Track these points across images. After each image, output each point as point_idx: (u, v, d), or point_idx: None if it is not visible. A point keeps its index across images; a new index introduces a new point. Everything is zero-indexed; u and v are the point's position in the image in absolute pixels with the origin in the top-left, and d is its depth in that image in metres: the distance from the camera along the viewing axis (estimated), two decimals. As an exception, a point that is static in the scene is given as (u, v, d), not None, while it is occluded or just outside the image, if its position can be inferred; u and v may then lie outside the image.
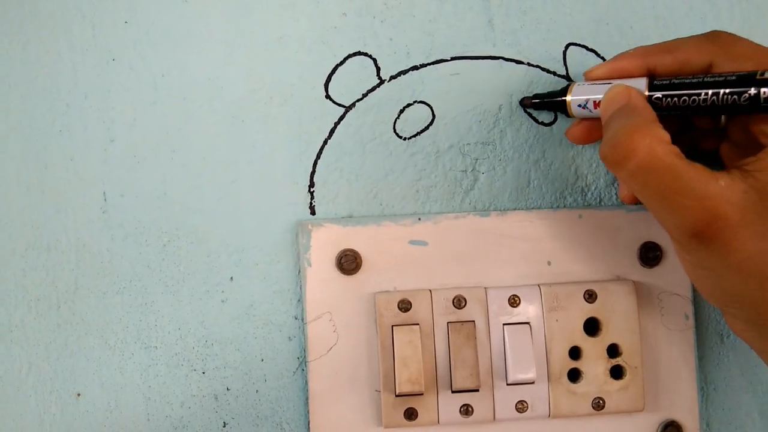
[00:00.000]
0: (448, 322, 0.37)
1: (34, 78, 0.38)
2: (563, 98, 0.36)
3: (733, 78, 0.30)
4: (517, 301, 0.38)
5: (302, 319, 0.38)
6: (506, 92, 0.39)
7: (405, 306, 0.37)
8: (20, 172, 0.38)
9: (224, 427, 0.38)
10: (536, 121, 0.39)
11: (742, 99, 0.30)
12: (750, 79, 0.30)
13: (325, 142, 0.39)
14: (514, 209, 0.39)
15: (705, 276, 0.32)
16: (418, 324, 0.37)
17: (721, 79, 0.30)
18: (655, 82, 0.32)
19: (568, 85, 0.36)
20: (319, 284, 0.38)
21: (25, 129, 0.38)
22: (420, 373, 0.36)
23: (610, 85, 0.33)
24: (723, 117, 0.35)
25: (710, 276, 0.32)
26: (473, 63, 0.39)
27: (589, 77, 0.35)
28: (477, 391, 0.37)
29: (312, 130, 0.39)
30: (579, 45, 0.40)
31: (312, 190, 0.39)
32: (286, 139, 0.39)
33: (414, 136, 0.39)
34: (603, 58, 0.40)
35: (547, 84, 0.39)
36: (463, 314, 0.38)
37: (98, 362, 0.38)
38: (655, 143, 0.30)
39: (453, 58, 0.39)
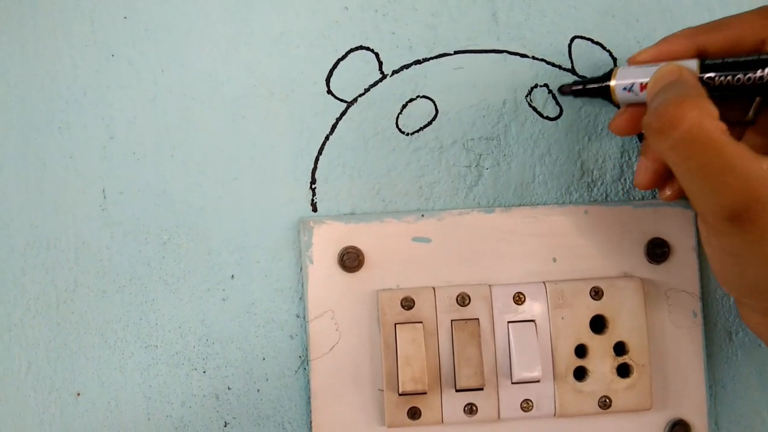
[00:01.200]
0: (452, 320, 0.37)
1: (32, 75, 0.37)
2: (607, 83, 0.35)
3: None
4: (522, 299, 0.37)
5: (304, 318, 0.38)
6: (511, 86, 0.39)
7: (408, 304, 0.37)
8: (19, 169, 0.37)
9: (225, 426, 0.38)
10: (541, 115, 0.39)
11: None
12: None
13: (327, 138, 0.38)
14: (519, 205, 0.38)
15: (731, 263, 0.31)
16: (421, 322, 0.37)
17: None
18: (707, 62, 0.31)
19: (611, 70, 0.35)
20: (321, 282, 0.37)
21: (24, 126, 0.37)
22: (423, 372, 0.36)
23: (657, 67, 0.32)
24: (753, 108, 0.33)
25: (737, 263, 0.31)
26: (477, 57, 0.39)
27: (635, 61, 0.33)
28: (481, 389, 0.37)
29: (313, 125, 0.38)
30: (584, 38, 0.39)
31: (314, 186, 0.38)
32: (287, 135, 0.38)
33: (417, 131, 0.39)
34: (609, 52, 0.39)
35: (552, 78, 0.39)
36: (468, 312, 0.37)
37: (98, 361, 0.37)
38: (704, 116, 0.29)
39: (456, 52, 0.39)
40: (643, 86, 0.33)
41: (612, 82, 0.34)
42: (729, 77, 0.31)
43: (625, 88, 0.33)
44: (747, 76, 0.30)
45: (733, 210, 0.29)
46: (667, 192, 0.35)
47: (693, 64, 0.32)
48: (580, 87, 0.37)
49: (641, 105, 0.34)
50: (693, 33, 0.32)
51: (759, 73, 0.30)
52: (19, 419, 0.37)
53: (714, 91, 0.31)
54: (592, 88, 0.36)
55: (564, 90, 0.38)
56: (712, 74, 0.31)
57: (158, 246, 0.38)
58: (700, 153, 0.29)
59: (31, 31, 0.37)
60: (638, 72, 0.33)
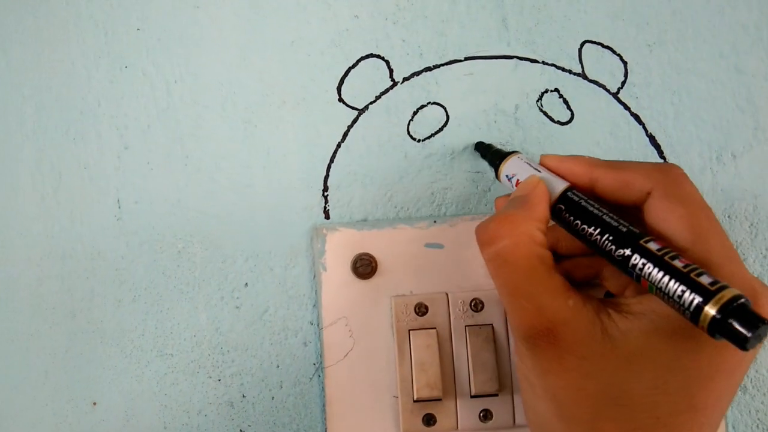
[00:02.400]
0: (466, 326, 0.37)
1: (47, 86, 0.38)
2: (498, 163, 0.35)
3: (624, 230, 0.29)
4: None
5: (318, 325, 0.38)
6: (522, 92, 0.39)
7: (422, 310, 0.37)
8: (35, 180, 0.38)
9: (241, 434, 0.38)
10: (552, 120, 0.39)
11: (616, 253, 0.28)
12: (633, 239, 0.28)
13: (339, 146, 0.38)
14: (532, 210, 0.38)
15: (527, 391, 0.31)
16: (435, 328, 0.37)
17: (615, 223, 0.29)
18: (569, 193, 0.31)
19: (510, 153, 0.35)
20: (334, 289, 0.37)
21: (39, 137, 0.38)
22: (438, 378, 0.36)
23: (535, 173, 0.32)
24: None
25: (530, 393, 0.30)
26: (487, 63, 0.39)
27: (542, 160, 0.33)
28: (497, 395, 0.36)
29: (325, 133, 0.38)
30: (595, 42, 0.39)
31: (326, 194, 0.38)
32: (299, 143, 0.38)
33: (428, 137, 0.39)
34: (619, 56, 0.39)
35: (563, 82, 0.39)
36: (482, 317, 0.37)
37: (114, 370, 0.38)
38: (523, 239, 0.29)
39: (467, 58, 0.39)
40: (517, 183, 0.33)
41: (502, 167, 0.34)
42: (571, 218, 0.30)
43: (507, 176, 0.34)
44: (582, 227, 0.30)
45: (528, 333, 0.29)
46: None
47: (561, 187, 0.31)
48: (483, 151, 0.37)
49: None
50: (594, 164, 0.32)
51: (590, 230, 0.29)
52: (35, 428, 0.37)
53: (560, 224, 0.31)
54: (489, 159, 0.36)
55: (476, 146, 0.38)
56: (562, 206, 0.31)
57: (173, 255, 0.38)
58: (509, 273, 0.29)
59: (45, 42, 0.38)
60: (524, 169, 0.33)
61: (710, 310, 0.25)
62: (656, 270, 0.27)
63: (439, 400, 0.36)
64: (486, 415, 0.37)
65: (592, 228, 0.29)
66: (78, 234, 0.38)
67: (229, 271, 0.38)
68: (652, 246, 0.28)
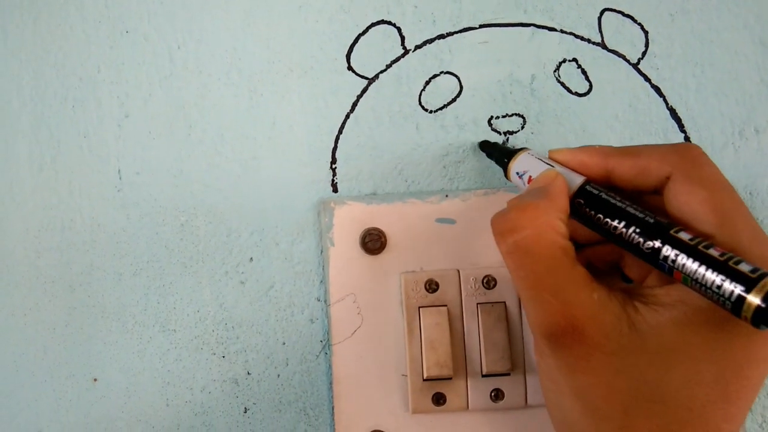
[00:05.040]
0: (477, 303, 0.36)
1: (45, 52, 0.37)
2: (506, 161, 0.33)
3: (651, 221, 0.27)
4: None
5: (325, 301, 0.37)
6: (539, 61, 0.37)
7: (432, 287, 0.36)
8: (32, 149, 0.37)
9: (245, 412, 0.37)
10: (570, 91, 0.37)
11: (645, 246, 0.27)
12: (662, 230, 0.27)
13: (348, 116, 0.37)
14: (547, 185, 0.37)
15: (551, 390, 0.29)
16: (445, 305, 0.36)
17: (641, 215, 0.28)
18: (588, 187, 0.30)
19: (519, 150, 0.33)
20: (342, 264, 0.36)
21: (37, 105, 0.37)
22: (448, 357, 0.35)
23: (550, 167, 0.31)
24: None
25: (555, 392, 0.29)
26: (503, 30, 0.37)
27: (550, 155, 0.32)
28: (508, 375, 0.35)
29: (333, 103, 0.37)
30: (615, 10, 0.38)
31: (334, 166, 0.37)
32: (306, 113, 0.37)
33: (441, 108, 0.37)
34: (640, 25, 0.38)
35: (581, 52, 0.37)
36: (494, 295, 0.36)
37: (115, 346, 0.37)
38: (546, 229, 0.28)
39: (481, 26, 0.37)
40: (530, 180, 0.32)
41: (511, 164, 0.33)
42: (593, 212, 0.29)
43: (518, 173, 0.33)
44: (605, 220, 0.29)
45: (552, 331, 0.27)
46: None
47: (579, 181, 0.30)
48: (489, 150, 0.36)
49: None
50: (608, 152, 0.30)
51: (614, 224, 0.28)
52: (35, 405, 0.36)
53: (578, 218, 0.30)
54: (496, 156, 0.35)
55: (480, 145, 0.37)
56: (581, 200, 0.29)
57: (176, 228, 0.37)
58: (531, 265, 0.28)
59: (43, 5, 0.36)
60: (535, 165, 0.32)
61: (754, 299, 0.24)
62: (690, 261, 0.26)
63: (450, 379, 0.35)
64: (497, 395, 0.36)
65: (617, 221, 0.28)
66: (77, 205, 0.37)
67: (234, 245, 0.37)
68: (684, 236, 0.27)
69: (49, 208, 0.37)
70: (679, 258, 0.26)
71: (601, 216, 0.29)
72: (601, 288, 0.28)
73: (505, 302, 0.36)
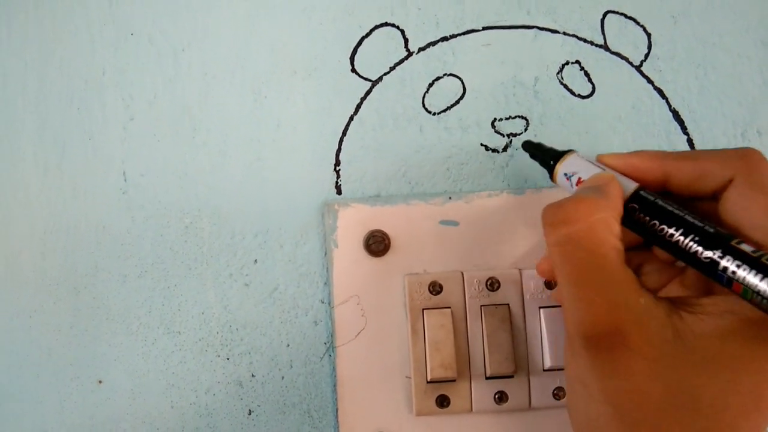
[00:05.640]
0: (481, 305, 0.36)
1: (50, 54, 0.37)
2: (553, 163, 0.32)
3: (711, 231, 0.27)
4: (554, 284, 0.36)
5: (329, 303, 0.37)
6: (542, 63, 0.37)
7: (436, 289, 0.36)
8: (38, 152, 0.37)
9: (250, 414, 0.37)
10: (573, 93, 0.37)
11: (703, 256, 0.27)
12: (722, 240, 0.26)
13: (351, 118, 0.37)
14: (551, 186, 0.37)
15: (578, 392, 0.29)
16: (449, 307, 0.36)
17: (699, 223, 0.27)
18: (642, 192, 0.29)
19: (567, 151, 0.32)
20: (346, 266, 0.36)
21: (42, 107, 0.37)
22: (452, 358, 0.35)
23: (602, 170, 0.30)
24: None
25: (583, 395, 0.28)
26: (506, 33, 0.37)
27: (600, 160, 0.31)
28: (512, 377, 0.35)
29: (337, 105, 0.37)
30: (617, 13, 0.38)
31: (338, 168, 0.37)
32: (310, 115, 0.37)
33: (444, 110, 0.37)
34: (643, 27, 0.38)
35: (584, 54, 0.37)
36: (497, 297, 0.36)
37: (120, 348, 0.37)
38: (600, 225, 0.27)
39: (485, 28, 0.37)
40: (579, 182, 0.31)
41: (558, 165, 0.32)
42: (647, 218, 0.28)
43: (566, 174, 0.32)
44: (660, 227, 0.28)
45: (593, 332, 0.27)
46: (555, 292, 0.34)
47: (632, 186, 0.30)
48: (533, 151, 0.34)
49: None
50: (664, 156, 0.30)
51: (669, 232, 0.28)
52: (39, 406, 0.36)
53: (630, 225, 0.29)
54: (540, 157, 0.34)
55: (524, 145, 0.35)
56: (636, 205, 0.29)
57: (180, 230, 0.37)
58: (580, 259, 0.27)
59: (48, 8, 0.37)
60: (585, 167, 0.31)
61: None
62: (753, 273, 0.25)
63: (453, 381, 0.35)
64: (501, 397, 0.36)
65: (674, 228, 0.28)
66: (82, 207, 0.37)
67: (238, 247, 0.37)
68: (746, 248, 0.26)
69: (54, 209, 0.37)
70: (741, 270, 0.26)
71: (656, 222, 0.28)
72: (648, 294, 0.27)
73: (508, 304, 0.36)
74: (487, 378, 0.36)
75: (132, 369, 0.37)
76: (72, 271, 0.37)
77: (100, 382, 0.37)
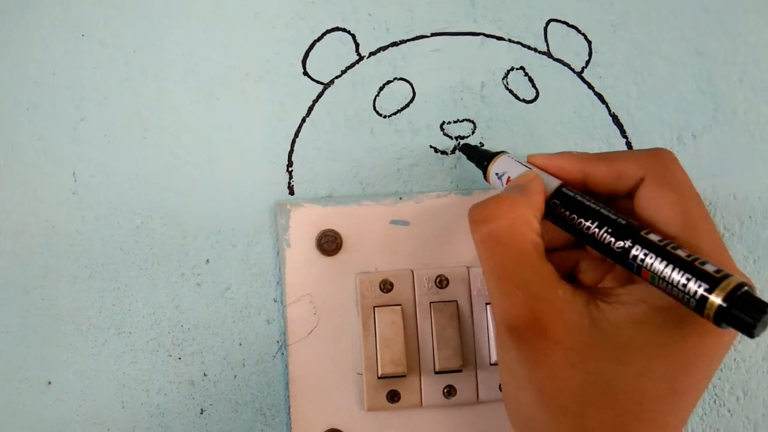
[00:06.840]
0: (430, 302, 0.37)
1: (0, 54, 0.36)
2: (486, 164, 0.34)
3: (623, 222, 0.29)
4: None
5: (281, 302, 0.37)
6: (488, 69, 0.39)
7: (387, 287, 0.37)
8: (-14, 152, 0.36)
9: (202, 413, 0.37)
10: (517, 98, 0.39)
11: (616, 246, 0.28)
12: (633, 231, 0.28)
13: (303, 120, 0.38)
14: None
15: (509, 381, 0.30)
16: (400, 305, 0.37)
17: (613, 216, 0.29)
18: (563, 189, 0.31)
19: (499, 152, 0.35)
20: (298, 266, 0.37)
21: (-9, 107, 0.36)
22: (402, 354, 0.36)
23: (527, 170, 0.32)
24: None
25: (513, 383, 0.30)
26: (454, 39, 0.39)
27: (529, 160, 0.33)
28: (460, 371, 0.36)
29: (289, 107, 0.38)
30: (560, 21, 0.39)
31: (290, 169, 0.38)
32: (262, 117, 0.38)
33: (394, 113, 0.38)
34: (584, 35, 0.39)
35: (528, 60, 0.39)
36: (446, 294, 0.37)
37: (70, 348, 0.36)
38: (520, 222, 0.29)
39: (433, 34, 0.38)
40: (508, 180, 0.33)
41: (491, 166, 0.34)
42: (566, 213, 0.30)
43: (497, 174, 0.34)
44: (578, 221, 0.30)
45: (515, 323, 0.28)
46: None
47: (555, 183, 0.31)
48: (469, 153, 0.37)
49: None
50: (585, 158, 0.32)
51: (586, 225, 0.30)
52: (-13, 409, 0.36)
53: (553, 220, 0.31)
54: (475, 158, 0.36)
55: (461, 148, 0.38)
56: (557, 201, 0.31)
57: (131, 230, 0.37)
58: (501, 255, 0.29)
59: (-3, 8, 0.36)
60: (515, 167, 0.33)
61: (716, 299, 0.25)
62: (659, 261, 0.27)
63: (404, 376, 0.36)
64: (450, 391, 0.37)
65: (590, 221, 0.29)
66: (32, 208, 0.36)
67: (190, 247, 0.37)
68: (653, 237, 0.28)
69: (3, 210, 0.36)
70: (648, 258, 0.27)
71: (575, 216, 0.30)
72: (566, 286, 0.29)
73: (457, 301, 0.37)
74: (436, 373, 0.36)
75: (82, 370, 0.36)
76: (21, 272, 0.36)
77: (49, 383, 0.36)
